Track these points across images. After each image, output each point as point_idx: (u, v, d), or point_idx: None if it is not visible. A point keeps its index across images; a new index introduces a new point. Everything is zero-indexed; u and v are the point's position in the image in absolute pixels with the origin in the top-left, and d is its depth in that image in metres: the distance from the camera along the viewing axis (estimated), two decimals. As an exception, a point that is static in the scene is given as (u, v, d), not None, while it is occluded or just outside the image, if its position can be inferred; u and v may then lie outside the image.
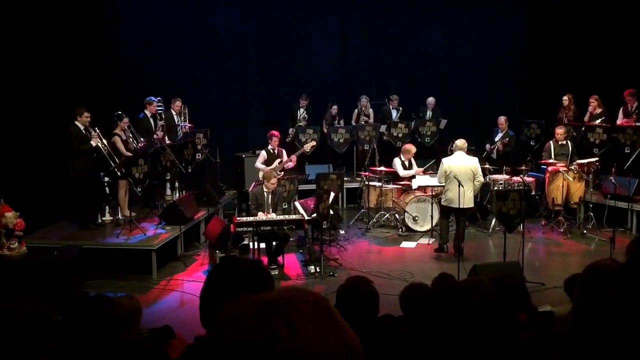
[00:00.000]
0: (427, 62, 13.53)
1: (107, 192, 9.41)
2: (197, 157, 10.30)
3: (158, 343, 3.14)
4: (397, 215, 10.19)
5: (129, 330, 3.15)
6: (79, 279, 7.22)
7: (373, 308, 3.40)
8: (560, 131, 10.12)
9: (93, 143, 8.54)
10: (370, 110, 12.65)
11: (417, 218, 9.84)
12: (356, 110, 12.70)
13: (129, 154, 9.02)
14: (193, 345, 2.29)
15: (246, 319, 0.96)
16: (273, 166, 9.80)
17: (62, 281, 6.80)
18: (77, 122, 8.53)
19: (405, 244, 9.44)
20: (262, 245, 8.16)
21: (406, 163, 10.43)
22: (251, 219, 8.06)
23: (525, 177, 9.64)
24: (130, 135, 9.27)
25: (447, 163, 8.50)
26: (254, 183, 9.65)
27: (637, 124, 10.33)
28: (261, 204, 8.37)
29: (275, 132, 10.11)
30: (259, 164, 10.03)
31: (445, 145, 11.15)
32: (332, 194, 8.56)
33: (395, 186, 10.33)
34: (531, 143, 11.47)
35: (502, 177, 9.99)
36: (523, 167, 9.87)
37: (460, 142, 8.64)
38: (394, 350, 3.09)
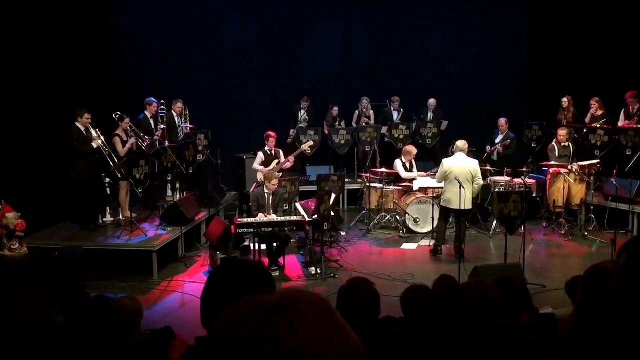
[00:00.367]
0: (429, 64, 13.53)
1: (108, 193, 9.41)
2: (198, 158, 10.31)
3: (159, 344, 3.14)
4: (398, 217, 10.19)
5: (130, 331, 3.16)
6: (80, 280, 7.22)
7: (374, 309, 3.40)
8: (562, 133, 10.11)
9: (94, 145, 8.55)
10: (371, 112, 12.66)
11: (418, 220, 9.84)
12: (357, 112, 12.70)
13: (126, 151, 9.03)
14: (194, 346, 2.29)
15: (247, 320, 0.96)
16: (271, 167, 9.80)
17: (63, 282, 6.80)
18: (77, 123, 8.54)
19: (406, 246, 9.43)
20: (263, 246, 8.16)
21: (407, 165, 10.43)
22: (252, 220, 8.06)
23: (526, 179, 9.64)
24: (133, 134, 9.28)
25: (447, 164, 8.50)
26: (255, 184, 9.66)
27: (639, 125, 10.32)
28: (262, 205, 8.37)
29: (272, 133, 10.10)
30: (256, 165, 10.03)
31: (446, 146, 11.16)
32: (333, 196, 8.56)
33: (396, 188, 10.33)
34: (532, 145, 11.47)
35: (504, 178, 9.98)
36: (524, 169, 9.87)
37: (461, 144, 8.64)
38: (395, 352, 3.09)
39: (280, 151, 10.22)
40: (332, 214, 8.51)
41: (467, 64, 13.49)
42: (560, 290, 5.30)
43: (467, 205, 8.38)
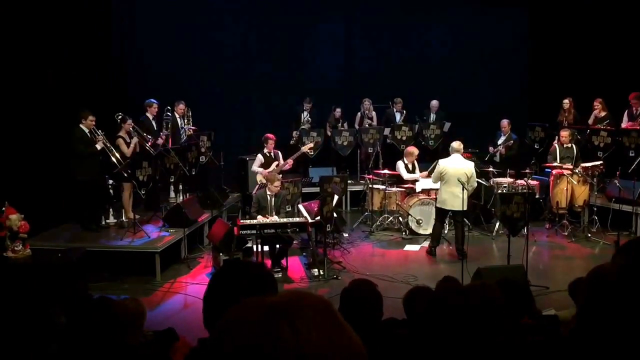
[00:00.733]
0: (431, 65, 13.52)
1: (111, 194, 9.43)
2: (201, 159, 10.31)
3: (162, 345, 3.14)
4: (400, 218, 10.18)
5: (133, 332, 3.16)
6: (82, 281, 7.23)
7: (377, 311, 3.40)
8: (564, 134, 10.10)
9: (98, 146, 8.58)
10: (374, 113, 12.65)
11: (420, 221, 9.83)
12: (359, 114, 12.70)
13: (131, 151, 9.05)
14: (197, 347, 2.29)
15: (249, 321, 0.96)
16: (270, 169, 9.78)
17: (66, 283, 6.81)
18: (81, 125, 8.56)
19: (408, 247, 9.43)
20: (266, 248, 8.16)
21: (409, 166, 10.42)
22: (255, 221, 8.06)
23: (529, 180, 9.62)
24: (136, 135, 9.30)
25: (443, 164, 8.58)
26: (257, 186, 9.66)
27: (642, 127, 10.30)
28: (264, 207, 8.37)
29: (271, 135, 10.07)
30: (255, 167, 9.98)
31: (448, 148, 11.14)
32: (336, 197, 8.56)
33: (398, 189, 10.32)
34: (535, 146, 11.45)
35: (506, 180, 9.97)
36: (527, 170, 9.86)
37: (457, 144, 8.68)
38: (397, 354, 3.08)
39: (279, 153, 10.20)
40: (335, 215, 8.51)
41: (469, 65, 13.48)
42: (563, 291, 5.29)
43: (461, 205, 8.44)
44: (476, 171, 10.31)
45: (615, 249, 7.86)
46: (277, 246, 8.19)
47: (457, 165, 8.46)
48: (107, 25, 11.36)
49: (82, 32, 10.13)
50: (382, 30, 13.54)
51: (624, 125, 10.68)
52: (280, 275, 7.93)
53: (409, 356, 3.09)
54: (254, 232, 7.91)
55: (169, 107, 10.39)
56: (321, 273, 7.99)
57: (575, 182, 9.74)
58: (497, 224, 9.75)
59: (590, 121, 11.00)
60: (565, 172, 9.74)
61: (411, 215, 9.86)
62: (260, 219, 8.13)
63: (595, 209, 9.84)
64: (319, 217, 8.08)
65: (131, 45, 12.21)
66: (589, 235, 9.62)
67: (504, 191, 9.47)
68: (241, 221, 8.22)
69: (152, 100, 10.24)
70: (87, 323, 2.99)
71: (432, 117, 12.64)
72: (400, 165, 10.42)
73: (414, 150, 10.53)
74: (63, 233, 8.75)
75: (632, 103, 10.61)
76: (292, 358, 0.92)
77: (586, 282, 2.03)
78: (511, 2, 13.70)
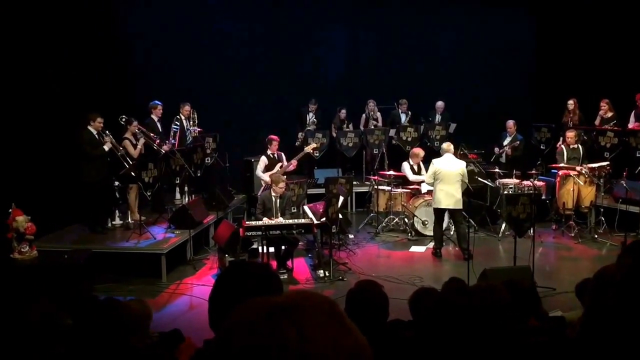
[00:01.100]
0: (436, 66, 13.51)
1: (117, 196, 9.46)
2: (206, 161, 10.33)
3: (167, 347, 3.15)
4: (406, 220, 10.17)
5: (139, 334, 3.16)
6: (89, 282, 7.26)
7: (382, 312, 3.39)
8: (570, 135, 10.06)
9: (106, 147, 8.62)
10: (378, 114, 12.65)
11: (426, 222, 9.81)
12: (364, 115, 12.70)
13: (138, 152, 9.09)
14: (202, 349, 2.29)
15: (255, 322, 0.96)
16: (274, 171, 9.76)
17: (72, 285, 6.83)
18: (89, 127, 8.60)
19: (414, 248, 9.41)
20: (271, 249, 8.16)
21: (415, 167, 10.40)
22: (260, 223, 8.06)
23: (535, 181, 9.60)
24: (142, 136, 9.33)
25: (437, 164, 8.75)
26: (262, 187, 9.66)
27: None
28: (269, 209, 8.37)
29: (274, 137, 10.05)
30: (259, 171, 9.91)
31: (454, 148, 11.12)
32: (341, 198, 8.55)
33: (404, 190, 10.31)
34: (541, 147, 11.42)
35: (512, 181, 9.94)
36: (533, 171, 9.82)
37: (446, 145, 8.97)
38: (403, 355, 3.07)
39: (283, 154, 10.19)
40: (340, 216, 8.50)
41: (475, 66, 13.46)
42: (570, 293, 5.27)
43: (457, 204, 8.59)
44: (482, 172, 10.35)
45: (621, 250, 7.83)
46: (283, 247, 8.19)
47: (450, 164, 8.68)
48: (113, 29, 11.40)
49: (87, 35, 10.17)
50: (387, 31, 13.52)
51: (630, 125, 10.64)
52: (285, 277, 7.93)
53: (415, 357, 3.08)
54: (259, 233, 7.91)
55: (177, 117, 10.41)
56: (327, 274, 7.98)
57: (582, 183, 9.70)
58: (503, 225, 9.73)
59: (597, 122, 10.96)
60: (572, 172, 9.71)
61: (417, 217, 9.84)
62: (265, 220, 8.13)
63: (602, 209, 9.80)
64: (324, 219, 8.07)
65: (136, 48, 12.24)
66: (596, 236, 9.58)
67: (510, 192, 9.45)
68: (246, 222, 8.23)
69: (157, 102, 10.28)
70: (93, 324, 3.00)
71: (438, 118, 12.62)
72: (405, 166, 10.41)
73: (419, 151, 10.51)
74: (69, 235, 8.78)
75: (639, 103, 10.57)
76: (297, 358, 0.91)
77: (592, 283, 2.03)
78: (516, 2, 13.67)
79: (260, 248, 8.16)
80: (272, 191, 8.46)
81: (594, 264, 8.05)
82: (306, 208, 8.98)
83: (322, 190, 10.30)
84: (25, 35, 8.72)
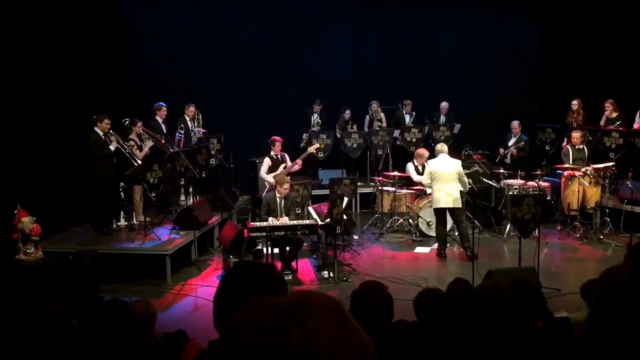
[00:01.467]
0: (440, 67, 13.49)
1: (122, 197, 9.48)
2: (211, 162, 10.34)
3: (172, 347, 3.15)
4: (410, 220, 10.16)
5: (144, 334, 3.17)
6: (94, 283, 7.28)
7: (387, 313, 3.39)
8: (576, 135, 10.04)
9: (112, 147, 8.65)
10: (382, 115, 12.64)
11: (430, 223, 9.79)
12: (367, 116, 12.70)
13: (144, 155, 9.11)
14: (207, 349, 2.29)
15: (259, 322, 0.96)
16: (278, 172, 9.76)
17: (78, 286, 6.85)
18: (96, 129, 8.63)
19: (419, 249, 9.40)
20: (276, 250, 8.17)
21: (419, 168, 10.38)
22: (265, 224, 8.06)
23: (540, 182, 9.57)
24: (148, 137, 9.35)
25: (432, 165, 8.87)
26: (267, 188, 9.66)
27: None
28: (274, 209, 8.38)
29: (278, 138, 10.05)
30: (263, 173, 9.92)
31: (459, 149, 11.12)
32: (346, 199, 8.55)
33: (408, 191, 10.30)
34: (546, 148, 11.39)
35: (517, 181, 9.92)
36: (538, 172, 9.80)
37: (440, 146, 9.10)
38: (408, 356, 3.07)
39: (286, 155, 10.18)
40: (345, 217, 8.50)
41: (479, 67, 13.43)
42: (575, 294, 5.25)
43: (456, 203, 8.65)
44: (486, 173, 10.33)
45: (627, 250, 7.80)
46: (287, 248, 8.20)
47: (445, 164, 8.77)
48: (118, 30, 11.44)
49: (93, 37, 10.21)
50: (391, 32, 13.52)
51: (636, 125, 10.60)
52: (290, 278, 7.93)
53: (420, 358, 3.08)
54: (264, 234, 7.92)
55: (181, 125, 10.43)
56: (331, 275, 7.98)
57: (587, 184, 9.67)
58: (508, 226, 9.71)
59: (602, 122, 10.93)
60: (577, 173, 9.68)
61: (421, 217, 9.83)
62: (271, 220, 8.13)
63: (607, 210, 9.77)
64: (328, 219, 8.07)
65: (141, 49, 12.28)
66: (601, 237, 9.54)
67: (515, 193, 9.43)
68: (251, 223, 8.23)
69: (161, 103, 10.31)
70: (99, 325, 3.01)
71: (442, 118, 12.60)
72: (410, 167, 10.40)
73: (424, 152, 10.49)
74: (74, 236, 8.81)
75: (645, 103, 10.54)
76: (303, 358, 0.91)
77: (598, 284, 2.02)
78: (521, 3, 13.64)
79: (264, 249, 8.17)
80: (276, 192, 8.47)
81: (600, 265, 8.02)
82: (311, 209, 8.98)
83: (327, 191, 10.30)
84: (30, 37, 8.75)
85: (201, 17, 12.71)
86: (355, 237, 9.91)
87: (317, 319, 0.95)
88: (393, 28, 13.48)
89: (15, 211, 7.18)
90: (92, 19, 10.22)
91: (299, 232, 8.04)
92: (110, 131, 8.71)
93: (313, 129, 12.08)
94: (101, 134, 8.66)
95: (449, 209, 8.77)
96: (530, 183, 9.77)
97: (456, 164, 8.85)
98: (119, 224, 9.33)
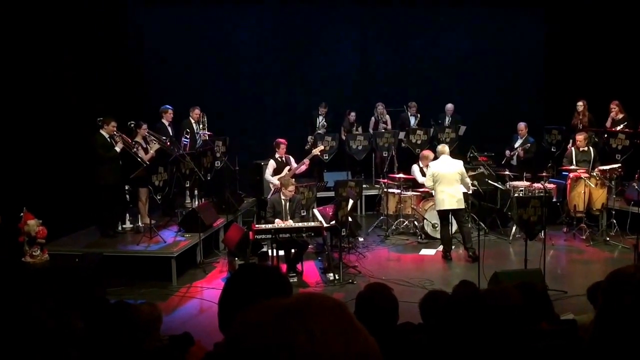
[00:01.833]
0: (446, 69, 13.48)
1: (128, 199, 9.50)
2: (216, 164, 10.36)
3: (178, 350, 3.16)
4: (416, 223, 10.14)
5: (149, 336, 3.17)
6: (100, 286, 7.29)
7: (392, 315, 3.38)
8: (580, 137, 10.00)
9: (118, 148, 8.68)
10: (387, 117, 12.63)
11: (436, 225, 9.76)
12: (373, 118, 12.69)
13: (149, 157, 9.13)
14: (212, 352, 2.29)
15: (264, 324, 0.96)
16: (283, 174, 9.76)
17: (84, 288, 6.87)
18: (102, 131, 8.66)
19: (424, 251, 9.38)
20: (281, 252, 8.16)
21: (425, 169, 10.36)
22: (270, 226, 8.06)
23: (546, 184, 9.54)
24: (154, 139, 9.37)
25: (434, 167, 8.88)
26: (272, 190, 9.67)
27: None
28: (279, 212, 8.38)
29: (282, 140, 10.05)
30: (268, 175, 9.93)
31: (464, 151, 11.10)
32: (351, 201, 8.55)
33: (414, 193, 10.28)
34: (552, 149, 11.36)
35: (523, 183, 9.89)
36: (544, 174, 9.77)
37: (441, 147, 9.17)
38: (414, 358, 3.06)
39: (291, 157, 10.19)
40: (350, 219, 8.49)
41: (484, 69, 13.42)
42: (581, 296, 5.22)
43: (459, 204, 8.68)
44: (492, 175, 10.31)
45: (634, 252, 7.76)
46: (292, 251, 8.19)
47: (447, 165, 8.79)
48: (125, 33, 11.48)
49: (99, 40, 10.25)
50: (397, 34, 13.51)
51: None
52: (295, 280, 7.93)
53: (425, 361, 3.07)
54: (269, 236, 7.92)
55: (187, 130, 10.44)
56: (336, 277, 7.97)
57: (593, 185, 9.63)
58: (514, 228, 9.67)
59: (608, 124, 10.88)
60: (583, 175, 9.64)
61: (427, 219, 9.81)
62: (276, 222, 8.13)
63: (613, 212, 9.72)
64: (334, 222, 8.07)
65: (147, 52, 12.32)
66: (608, 239, 9.50)
67: (521, 195, 9.40)
68: (256, 226, 8.24)
69: (168, 106, 10.35)
70: (105, 327, 3.01)
71: (448, 120, 12.58)
72: (415, 169, 10.39)
73: (429, 153, 10.46)
74: (80, 238, 8.84)
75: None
76: (307, 360, 0.91)
77: (604, 286, 2.01)
78: (526, 5, 13.62)
79: (269, 251, 8.17)
80: (281, 194, 8.47)
81: (606, 267, 7.99)
82: (316, 211, 8.98)
83: (332, 194, 10.29)
84: (35, 40, 8.79)
85: (207, 19, 12.75)
86: (361, 239, 9.90)
87: (321, 321, 0.94)
88: (398, 30, 13.48)
89: (21, 214, 7.21)
90: (98, 22, 10.27)
91: (304, 235, 8.04)
92: (116, 132, 8.73)
93: (319, 131, 12.09)
94: (107, 136, 8.69)
95: (453, 210, 8.76)
96: (536, 185, 9.74)
97: (458, 165, 8.86)
98: (124, 226, 9.35)
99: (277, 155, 10.00)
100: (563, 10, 12.96)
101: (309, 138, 12.08)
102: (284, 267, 8.01)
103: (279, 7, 13.11)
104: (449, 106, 12.61)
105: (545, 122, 12.12)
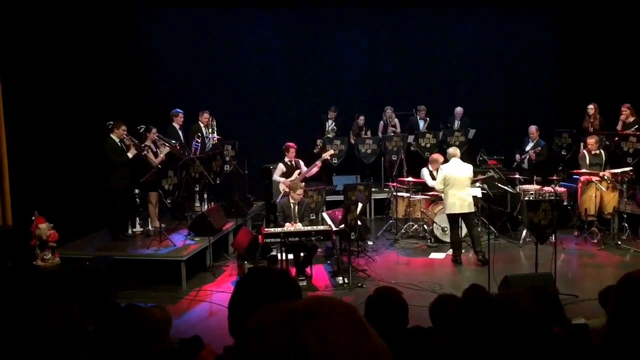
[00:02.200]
0: (455, 72, 13.45)
1: (138, 203, 9.55)
2: (225, 168, 10.38)
3: (187, 353, 3.16)
4: (425, 226, 10.11)
5: (159, 340, 3.18)
6: (110, 289, 7.32)
7: (402, 319, 3.37)
8: (591, 141, 9.94)
9: (130, 154, 8.72)
10: (396, 120, 12.61)
11: (445, 229, 9.73)
12: (382, 122, 12.68)
13: (159, 161, 9.17)
14: (222, 355, 2.29)
15: (274, 328, 0.96)
16: (292, 177, 9.77)
17: (94, 291, 6.90)
18: (112, 135, 8.71)
19: (434, 255, 9.35)
20: (290, 256, 8.16)
21: (434, 173, 10.33)
22: (279, 230, 8.07)
23: (556, 187, 9.49)
24: (164, 143, 9.41)
25: (446, 170, 8.86)
26: (281, 194, 9.68)
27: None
28: (288, 215, 8.39)
29: (292, 144, 10.07)
30: (277, 177, 9.97)
31: (474, 155, 11.05)
32: (360, 205, 8.54)
33: (423, 197, 10.25)
34: (562, 153, 11.29)
35: (533, 187, 9.84)
36: (554, 177, 9.72)
37: (452, 150, 9.14)
38: (424, 363, 3.05)
39: (300, 161, 10.20)
40: (359, 223, 8.48)
41: (495, 71, 13.37)
42: (593, 300, 5.19)
43: (470, 208, 8.68)
44: (502, 178, 10.26)
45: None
46: (302, 254, 8.19)
47: (459, 169, 8.78)
48: (133, 36, 11.55)
49: (110, 44, 10.32)
50: (405, 38, 13.50)
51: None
52: (304, 283, 7.92)
53: (436, 365, 3.05)
54: (278, 240, 7.92)
55: (198, 134, 10.47)
56: (346, 281, 7.96)
57: (604, 189, 9.56)
58: (524, 232, 9.62)
59: (619, 127, 10.81)
60: (594, 178, 9.58)
61: (436, 223, 9.78)
62: (287, 226, 8.14)
63: (625, 215, 9.65)
64: (343, 225, 8.06)
65: (157, 57, 12.39)
66: (619, 242, 9.43)
67: (531, 198, 9.35)
68: (265, 229, 8.25)
69: (178, 110, 10.40)
70: (115, 330, 3.03)
71: (457, 124, 12.55)
72: (425, 172, 10.36)
73: (438, 157, 10.43)
74: (91, 242, 8.88)
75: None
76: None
77: (616, 290, 1.99)
78: (538, 7, 13.56)
79: (279, 255, 8.17)
80: (290, 198, 8.48)
81: (618, 271, 7.92)
82: (325, 215, 8.98)
83: (341, 197, 10.28)
84: (46, 44, 8.87)
85: (216, 23, 12.81)
86: (370, 243, 9.88)
87: (332, 325, 0.94)
88: (407, 33, 13.47)
89: (33, 218, 7.26)
90: (107, 27, 10.34)
91: (313, 238, 8.04)
92: (126, 136, 8.78)
93: (328, 135, 12.09)
94: (117, 140, 8.74)
95: (463, 213, 8.73)
96: (546, 188, 9.69)
97: (469, 169, 8.85)
98: (134, 230, 9.39)
99: (286, 159, 10.02)
100: (574, 13, 12.90)
101: (318, 142, 12.09)
102: (293, 271, 8.01)
103: (287, 10, 13.14)
104: (458, 109, 12.58)
105: (556, 126, 12.05)
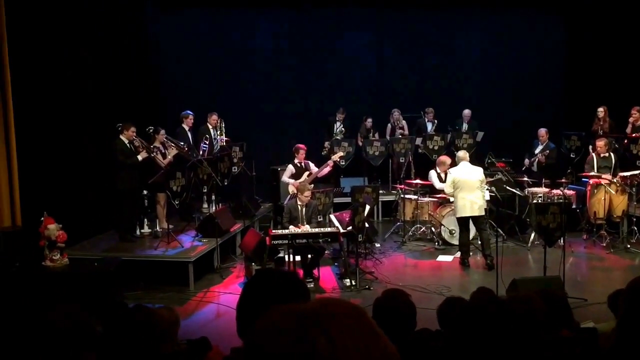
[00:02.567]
0: (463, 74, 13.42)
1: (146, 204, 9.58)
2: (233, 170, 10.40)
3: (195, 355, 3.17)
4: (433, 229, 10.08)
5: (167, 341, 3.19)
6: (118, 290, 7.35)
7: (410, 322, 3.37)
8: (600, 144, 9.89)
9: (140, 157, 8.75)
10: (404, 122, 12.59)
11: (453, 231, 9.70)
12: (389, 125, 12.66)
13: (167, 162, 9.19)
14: (229, 356, 2.30)
15: (283, 330, 0.96)
16: (302, 179, 9.78)
17: (103, 292, 6.93)
18: (122, 137, 8.75)
19: (441, 258, 9.33)
20: (298, 258, 8.17)
21: (442, 175, 10.31)
22: (286, 231, 8.08)
23: (565, 190, 9.44)
24: (172, 145, 9.45)
25: (455, 173, 8.82)
26: (288, 196, 9.69)
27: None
28: (295, 217, 8.39)
29: (302, 145, 10.09)
30: (286, 178, 9.99)
31: (482, 157, 11.01)
32: (368, 207, 8.53)
33: (431, 199, 10.23)
34: (571, 155, 11.24)
35: (542, 190, 9.80)
36: (563, 180, 9.67)
37: (462, 153, 9.09)
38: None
39: (310, 163, 10.21)
40: (367, 225, 8.47)
41: (502, 74, 13.33)
42: (602, 304, 5.15)
43: (480, 211, 8.61)
44: (510, 181, 10.22)
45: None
46: (309, 256, 8.19)
47: (469, 172, 8.73)
48: (142, 38, 11.60)
49: (118, 45, 10.37)
50: (413, 40, 13.49)
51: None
52: (312, 286, 7.91)
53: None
54: (285, 242, 7.93)
55: (207, 136, 10.50)
56: (353, 283, 7.95)
57: (614, 192, 9.51)
58: (533, 235, 9.58)
59: (628, 130, 10.76)
60: (603, 181, 9.53)
61: (444, 226, 9.76)
62: (292, 228, 8.14)
63: (634, 219, 9.59)
64: (350, 227, 8.06)
65: (165, 58, 12.44)
66: (628, 246, 9.37)
67: (540, 201, 9.31)
68: (273, 231, 8.25)
69: (188, 111, 10.44)
70: (123, 331, 3.03)
71: (465, 126, 12.51)
72: (432, 174, 10.33)
73: (446, 159, 10.41)
74: (99, 243, 8.92)
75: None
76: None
77: (625, 294, 1.98)
78: (546, 9, 13.51)
79: (286, 257, 8.17)
80: (297, 200, 8.48)
81: (627, 275, 7.87)
82: (332, 217, 8.98)
83: (349, 199, 10.27)
84: (55, 46, 8.92)
85: (224, 26, 12.85)
86: (377, 245, 9.86)
87: (341, 327, 0.94)
88: (415, 36, 13.46)
89: (42, 218, 7.30)
90: (118, 29, 10.39)
91: (320, 240, 8.04)
92: (135, 138, 8.81)
93: (336, 137, 12.09)
94: (127, 141, 8.78)
95: (473, 216, 8.70)
96: (555, 191, 9.64)
97: (479, 172, 8.81)
98: (142, 231, 9.42)
99: (296, 161, 10.04)
100: (583, 16, 12.84)
101: (326, 144, 12.09)
102: (300, 273, 8.00)
103: (295, 13, 13.16)
104: (466, 112, 12.54)
105: (565, 128, 12.00)
